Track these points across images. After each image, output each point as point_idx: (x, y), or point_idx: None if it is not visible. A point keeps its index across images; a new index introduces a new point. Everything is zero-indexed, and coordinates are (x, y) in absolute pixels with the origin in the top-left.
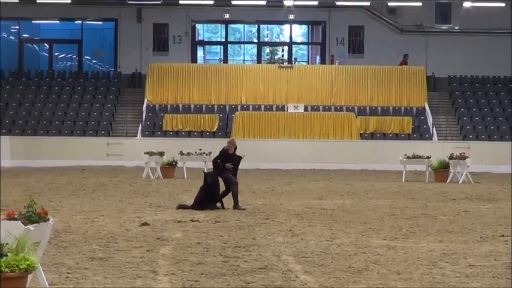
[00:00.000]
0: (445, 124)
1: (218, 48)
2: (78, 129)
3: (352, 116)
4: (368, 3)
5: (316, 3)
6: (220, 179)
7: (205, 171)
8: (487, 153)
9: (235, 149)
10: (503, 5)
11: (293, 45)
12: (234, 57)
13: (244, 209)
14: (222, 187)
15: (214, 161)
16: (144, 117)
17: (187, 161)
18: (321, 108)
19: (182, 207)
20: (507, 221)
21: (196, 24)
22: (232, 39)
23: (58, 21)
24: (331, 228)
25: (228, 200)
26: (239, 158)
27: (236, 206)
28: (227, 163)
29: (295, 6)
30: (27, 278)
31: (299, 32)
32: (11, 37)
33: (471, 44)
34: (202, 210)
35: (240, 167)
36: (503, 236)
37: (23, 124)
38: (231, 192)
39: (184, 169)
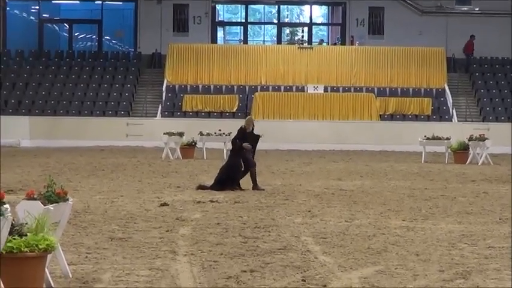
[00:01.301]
0: (464, 105)
1: (238, 29)
2: (98, 109)
3: (371, 97)
4: None
5: None
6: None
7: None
8: (506, 135)
9: (253, 127)
10: None
11: (313, 26)
12: (254, 38)
13: (264, 190)
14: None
15: (233, 141)
16: (163, 98)
17: (206, 142)
18: (340, 89)
19: (202, 187)
20: None
21: (217, 5)
22: (252, 20)
23: (78, 1)
24: (350, 209)
25: (246, 181)
26: (257, 137)
27: (255, 186)
28: (245, 143)
29: None
30: (46, 258)
31: (319, 13)
32: (31, 17)
33: (491, 25)
34: (221, 191)
35: (259, 147)
36: None
37: (42, 104)
38: (249, 173)
39: (204, 150)
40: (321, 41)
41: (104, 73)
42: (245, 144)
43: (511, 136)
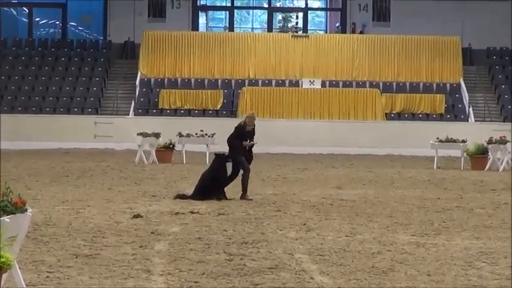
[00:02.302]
0: (483, 103)
1: (223, 14)
2: (62, 106)
3: (376, 93)
4: None
5: None
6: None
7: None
8: None
9: (254, 127)
10: None
11: (309, 12)
12: (241, 24)
13: (251, 200)
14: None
15: (231, 141)
16: (137, 93)
17: (186, 144)
18: (340, 84)
19: (180, 196)
20: None
21: None
22: (239, 4)
23: None
24: (351, 222)
25: (232, 189)
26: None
27: (244, 195)
28: (244, 141)
29: None
30: (1, 277)
31: None
32: None
33: None
34: (203, 201)
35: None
36: None
37: None
38: (241, 179)
39: (183, 153)
40: (338, 28)
41: (69, 64)
42: (245, 143)
43: None
